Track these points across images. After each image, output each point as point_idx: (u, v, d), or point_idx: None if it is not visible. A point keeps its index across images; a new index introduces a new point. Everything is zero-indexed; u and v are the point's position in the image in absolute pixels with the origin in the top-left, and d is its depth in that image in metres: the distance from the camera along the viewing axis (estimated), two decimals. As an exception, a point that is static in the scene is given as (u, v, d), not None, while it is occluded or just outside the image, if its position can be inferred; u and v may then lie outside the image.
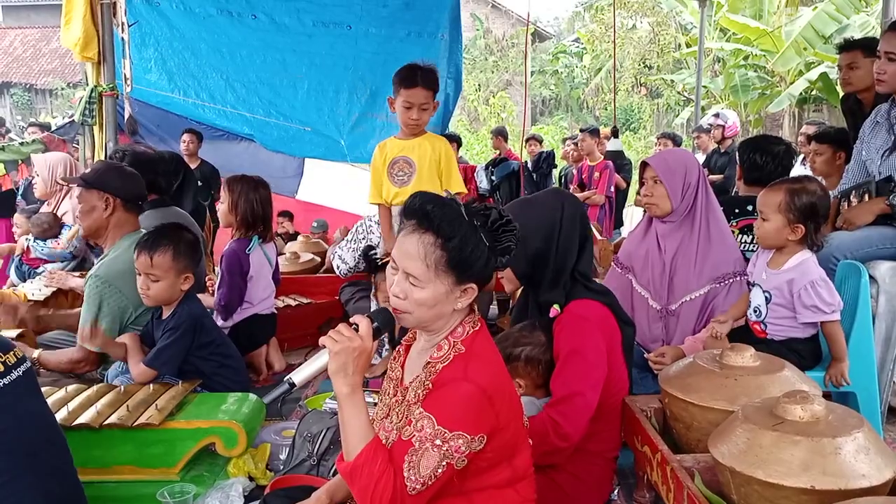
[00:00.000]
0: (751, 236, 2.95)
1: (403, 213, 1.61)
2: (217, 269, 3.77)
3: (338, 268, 3.79)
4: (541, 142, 9.18)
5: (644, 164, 2.88)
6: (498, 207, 1.63)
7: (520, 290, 2.48)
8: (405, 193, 3.42)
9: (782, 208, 2.47)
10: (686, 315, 2.78)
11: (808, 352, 2.57)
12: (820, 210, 2.48)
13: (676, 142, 7.81)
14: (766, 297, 2.57)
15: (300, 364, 1.60)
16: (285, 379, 1.57)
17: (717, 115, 7.69)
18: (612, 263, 3.01)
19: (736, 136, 7.36)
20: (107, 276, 2.90)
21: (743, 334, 2.62)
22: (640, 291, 2.86)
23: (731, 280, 2.75)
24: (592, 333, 2.12)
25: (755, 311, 2.62)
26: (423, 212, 1.56)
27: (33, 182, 4.97)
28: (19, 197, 6.87)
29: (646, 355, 2.72)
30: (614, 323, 2.21)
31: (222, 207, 3.63)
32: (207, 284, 3.83)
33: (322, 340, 1.55)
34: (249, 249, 3.57)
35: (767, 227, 2.52)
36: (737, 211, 3.20)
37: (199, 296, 3.67)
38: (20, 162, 7.23)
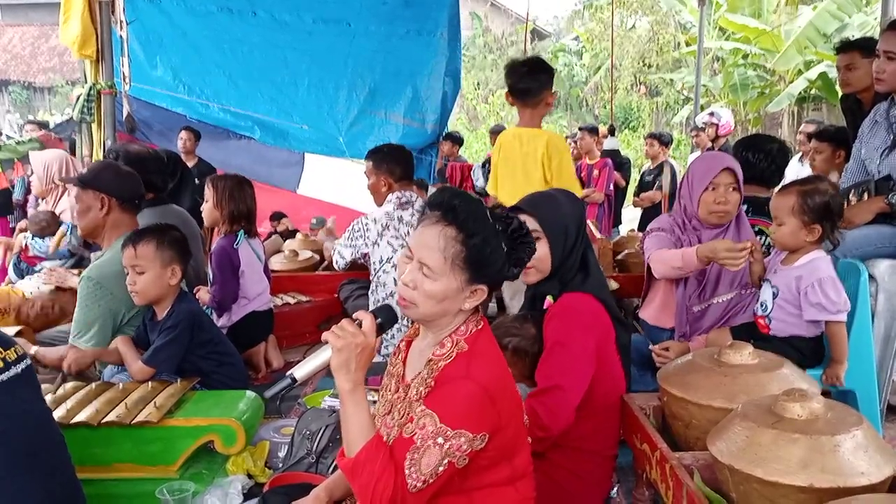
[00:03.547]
0: None
1: (428, 204, 1.61)
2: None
3: (336, 262, 3.81)
4: None
5: (727, 170, 2.73)
6: (518, 217, 1.63)
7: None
8: None
9: (796, 211, 2.48)
10: (709, 317, 2.79)
11: (810, 350, 2.57)
12: (833, 208, 2.50)
13: (663, 141, 7.82)
14: (773, 293, 2.58)
15: (300, 361, 1.60)
16: (287, 374, 1.56)
17: (711, 114, 7.70)
18: (654, 233, 2.93)
19: (730, 134, 7.37)
20: (99, 278, 2.88)
21: (749, 330, 2.64)
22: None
23: (755, 289, 2.75)
24: (580, 326, 2.13)
25: (761, 306, 2.64)
26: (450, 205, 1.56)
27: (30, 180, 4.97)
28: (16, 195, 6.89)
29: (651, 346, 2.72)
30: (607, 318, 2.22)
31: (207, 206, 3.63)
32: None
33: (325, 336, 1.55)
34: (237, 244, 3.58)
35: (784, 231, 2.53)
36: None
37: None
38: (16, 160, 7.24)
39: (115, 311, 2.89)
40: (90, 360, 2.89)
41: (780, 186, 2.66)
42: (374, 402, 1.82)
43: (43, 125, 9.00)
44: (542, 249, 2.19)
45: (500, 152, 3.59)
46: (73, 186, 3.53)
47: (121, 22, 4.77)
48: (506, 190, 3.53)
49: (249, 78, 6.28)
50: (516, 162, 3.51)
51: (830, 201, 2.48)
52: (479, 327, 1.64)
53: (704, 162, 2.92)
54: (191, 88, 6.24)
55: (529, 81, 3.48)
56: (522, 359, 2.21)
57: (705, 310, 2.80)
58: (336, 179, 6.86)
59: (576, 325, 2.13)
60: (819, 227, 2.48)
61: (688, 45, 16.15)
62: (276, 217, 6.48)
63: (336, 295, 4.30)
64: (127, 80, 4.99)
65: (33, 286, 3.80)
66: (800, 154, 6.16)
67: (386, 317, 1.61)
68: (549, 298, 2.22)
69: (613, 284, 3.69)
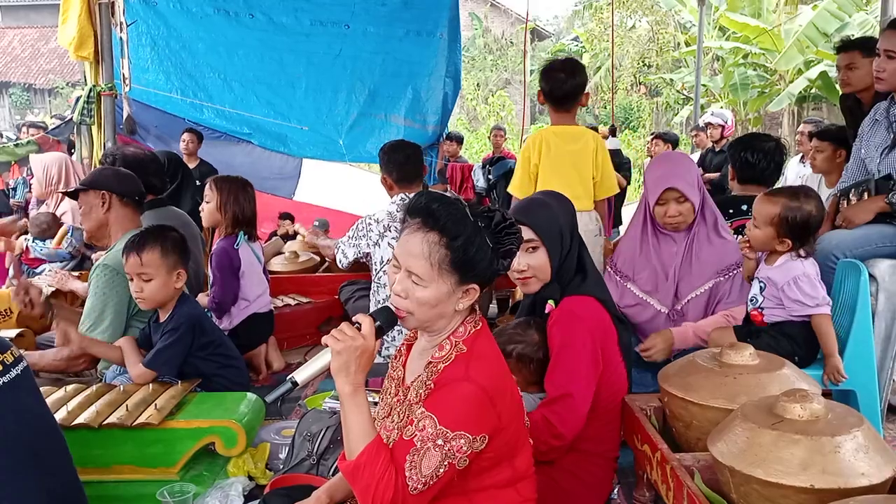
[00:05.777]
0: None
1: (408, 211, 1.61)
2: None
3: (340, 261, 3.81)
4: None
5: (669, 189, 2.74)
6: (502, 210, 1.64)
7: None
8: None
9: (774, 222, 2.54)
10: (693, 310, 2.79)
11: (803, 338, 2.58)
12: (811, 228, 2.56)
13: (669, 140, 7.80)
14: (760, 287, 2.64)
15: (300, 363, 1.60)
16: (287, 378, 1.57)
17: (713, 114, 7.70)
18: (609, 269, 2.97)
19: (732, 135, 7.39)
20: (115, 266, 2.89)
21: (749, 324, 2.65)
22: (644, 298, 2.85)
23: (734, 271, 2.77)
24: (584, 331, 2.12)
25: (752, 300, 2.68)
26: (429, 210, 1.56)
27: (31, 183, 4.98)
28: (18, 197, 6.89)
29: (637, 347, 2.71)
30: (609, 321, 2.21)
31: (208, 206, 3.62)
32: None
33: (324, 339, 1.55)
34: (237, 245, 3.58)
35: (757, 234, 2.61)
36: (731, 211, 3.19)
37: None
38: (13, 162, 7.24)
39: (129, 300, 2.90)
40: (93, 351, 2.84)
41: (774, 187, 2.67)
42: (375, 403, 1.82)
43: (40, 127, 9.00)
44: (541, 258, 2.18)
45: (544, 152, 3.51)
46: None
47: (121, 24, 4.75)
48: (556, 189, 3.50)
49: (246, 81, 6.21)
50: (565, 160, 3.49)
51: (810, 221, 2.53)
52: (478, 328, 1.64)
53: (652, 173, 2.88)
54: (184, 91, 6.17)
55: (570, 87, 3.49)
56: (527, 365, 2.20)
57: (687, 305, 2.80)
58: (333, 184, 6.84)
59: (579, 330, 2.12)
60: (790, 242, 2.55)
61: (688, 45, 16.17)
62: (284, 217, 6.47)
63: (337, 296, 4.30)
64: (127, 82, 4.97)
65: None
66: (801, 155, 6.16)
67: (385, 319, 1.61)
68: (550, 303, 2.22)
69: None
